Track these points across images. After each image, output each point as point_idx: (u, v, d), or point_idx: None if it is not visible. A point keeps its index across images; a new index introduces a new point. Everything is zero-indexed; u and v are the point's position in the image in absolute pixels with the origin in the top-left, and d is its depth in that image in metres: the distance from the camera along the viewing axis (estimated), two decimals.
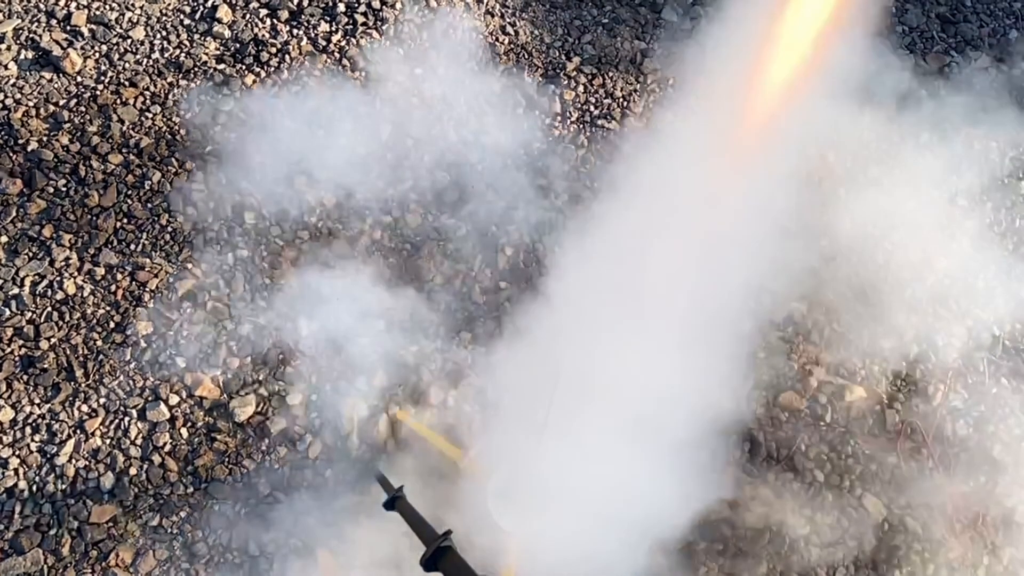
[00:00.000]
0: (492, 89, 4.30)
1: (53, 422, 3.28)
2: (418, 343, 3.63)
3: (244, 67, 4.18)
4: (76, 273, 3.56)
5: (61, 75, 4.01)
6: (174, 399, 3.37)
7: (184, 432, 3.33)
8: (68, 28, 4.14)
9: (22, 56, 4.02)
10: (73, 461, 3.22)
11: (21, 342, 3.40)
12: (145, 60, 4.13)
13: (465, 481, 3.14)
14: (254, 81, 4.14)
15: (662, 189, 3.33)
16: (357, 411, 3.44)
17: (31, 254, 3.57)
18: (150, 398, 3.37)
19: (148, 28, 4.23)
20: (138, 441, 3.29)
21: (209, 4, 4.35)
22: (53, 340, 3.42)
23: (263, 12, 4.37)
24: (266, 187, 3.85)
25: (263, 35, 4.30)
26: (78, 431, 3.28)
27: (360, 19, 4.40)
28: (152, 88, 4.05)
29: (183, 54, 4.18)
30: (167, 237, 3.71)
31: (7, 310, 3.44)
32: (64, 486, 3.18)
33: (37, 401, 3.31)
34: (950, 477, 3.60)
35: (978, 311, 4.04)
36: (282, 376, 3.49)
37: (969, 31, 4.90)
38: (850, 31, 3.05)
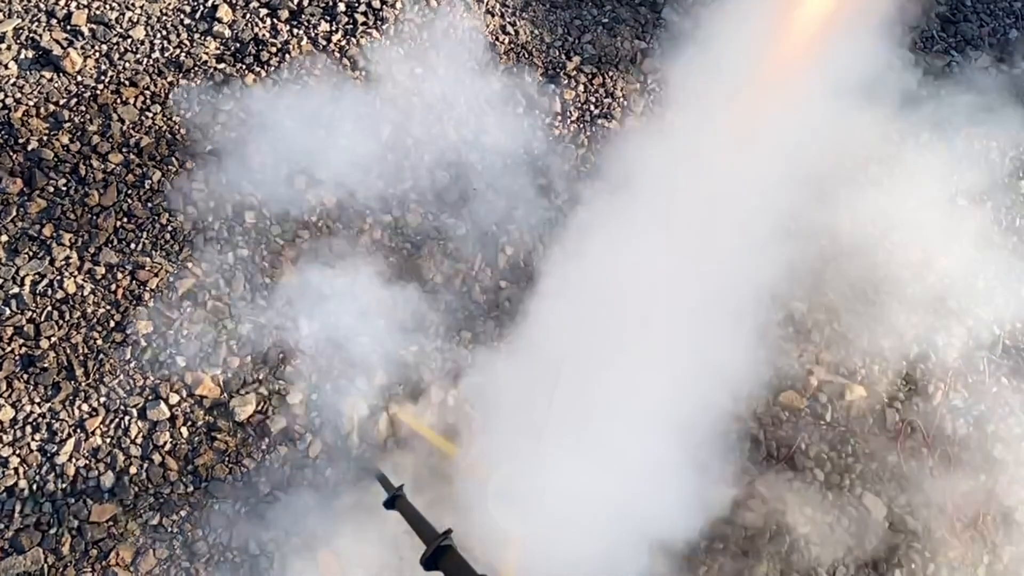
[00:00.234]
0: (492, 88, 4.30)
1: (53, 421, 3.28)
2: (418, 342, 3.63)
3: (244, 66, 4.19)
4: (76, 272, 3.56)
5: (61, 74, 4.01)
6: (174, 398, 3.37)
7: (184, 431, 3.33)
8: (68, 27, 4.14)
9: (22, 55, 4.02)
10: (73, 460, 3.22)
11: (21, 341, 3.40)
12: (145, 59, 4.14)
13: (465, 481, 3.15)
14: (254, 80, 4.14)
15: (663, 188, 3.34)
16: (357, 410, 3.44)
17: (31, 253, 3.57)
18: (150, 397, 3.37)
19: (148, 27, 4.24)
20: (138, 440, 3.29)
21: (209, 4, 4.35)
22: (53, 339, 3.42)
23: (263, 12, 4.37)
24: (266, 186, 3.85)
25: (263, 34, 4.30)
26: (78, 430, 3.28)
27: (360, 18, 4.40)
28: (152, 87, 4.05)
29: (183, 53, 4.18)
30: (167, 236, 3.71)
31: (7, 309, 3.44)
32: (64, 485, 3.18)
33: (37, 400, 3.31)
34: (950, 476, 3.60)
35: (978, 310, 4.05)
36: (282, 375, 3.49)
37: (969, 30, 4.90)
38: (850, 30, 3.05)
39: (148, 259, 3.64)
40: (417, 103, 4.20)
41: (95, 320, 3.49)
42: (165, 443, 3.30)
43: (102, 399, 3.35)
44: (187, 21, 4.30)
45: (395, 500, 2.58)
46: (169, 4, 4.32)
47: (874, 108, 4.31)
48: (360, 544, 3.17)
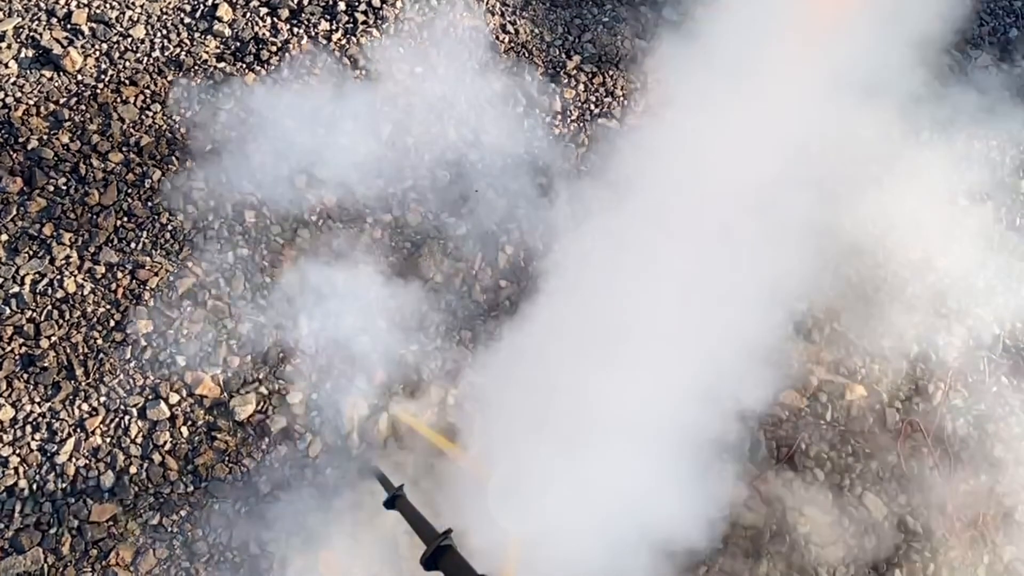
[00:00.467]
0: (492, 88, 4.30)
1: (53, 421, 3.28)
2: (418, 342, 3.63)
3: (244, 65, 4.18)
4: (76, 271, 3.56)
5: (61, 73, 4.01)
6: (174, 398, 3.37)
7: (184, 431, 3.33)
8: (68, 26, 4.13)
9: (22, 54, 4.02)
10: (73, 460, 3.22)
11: (21, 340, 3.40)
12: (145, 58, 4.13)
13: (465, 480, 3.15)
14: (254, 79, 4.14)
15: (663, 188, 3.34)
16: (357, 410, 3.44)
17: (31, 252, 3.57)
18: (150, 397, 3.37)
19: (148, 26, 4.23)
20: (138, 440, 3.29)
21: (209, 2, 4.34)
22: (53, 338, 3.42)
23: (263, 11, 4.37)
24: (266, 186, 3.85)
25: (263, 33, 4.30)
26: (78, 430, 3.28)
27: (360, 17, 4.40)
28: (152, 86, 4.05)
29: (183, 52, 4.18)
30: (167, 235, 3.70)
31: (7, 308, 3.44)
32: (64, 485, 3.18)
33: (37, 400, 3.31)
34: (950, 476, 3.60)
35: (978, 310, 4.05)
36: (282, 375, 3.49)
37: (969, 29, 4.90)
38: (850, 28, 3.05)
39: (148, 258, 3.64)
40: (417, 102, 4.19)
41: (95, 319, 3.49)
42: (165, 443, 3.30)
43: (102, 399, 3.35)
44: (187, 20, 4.29)
45: (395, 500, 2.58)
46: (169, 3, 4.32)
47: (874, 106, 4.31)
48: (360, 544, 3.17)
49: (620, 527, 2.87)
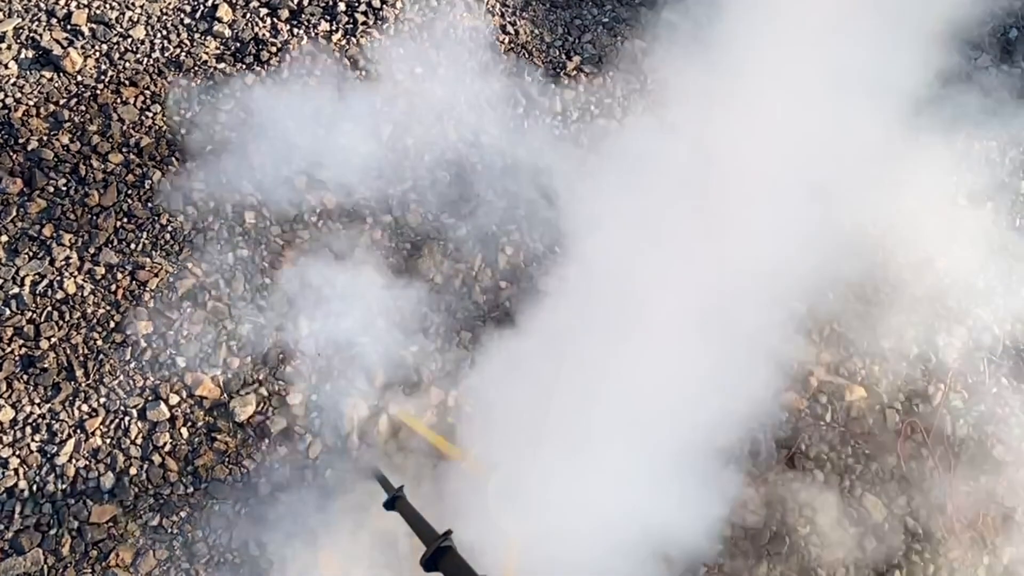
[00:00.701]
0: (492, 88, 4.30)
1: (53, 422, 3.28)
2: (418, 342, 3.63)
3: (244, 66, 4.18)
4: (76, 272, 3.56)
5: (61, 74, 4.01)
6: (174, 399, 3.37)
7: (184, 432, 3.33)
8: (68, 27, 4.13)
9: (22, 55, 4.02)
10: (73, 461, 3.22)
11: (21, 341, 3.40)
12: (145, 59, 4.13)
13: (465, 481, 3.15)
14: (254, 80, 4.14)
15: (663, 189, 3.33)
16: (357, 411, 3.44)
17: (31, 253, 3.57)
18: (150, 398, 3.37)
19: (148, 27, 4.23)
20: (138, 441, 3.29)
21: (209, 3, 4.34)
22: (53, 340, 3.42)
23: (263, 11, 4.37)
24: (266, 186, 3.85)
25: (263, 34, 4.30)
26: (78, 431, 3.28)
27: (360, 18, 4.40)
28: (152, 87, 4.05)
29: (183, 53, 4.18)
30: (167, 236, 3.70)
31: (7, 309, 3.44)
32: (64, 486, 3.18)
33: (37, 401, 3.31)
34: (950, 477, 3.60)
35: (978, 310, 4.05)
36: (282, 376, 3.49)
37: (971, 30, 4.89)
38: (851, 29, 3.04)
39: (148, 259, 3.64)
40: (417, 103, 4.19)
41: (95, 320, 3.49)
42: (165, 444, 3.30)
43: (102, 400, 3.35)
44: (187, 21, 4.29)
45: (395, 501, 2.58)
46: (169, 4, 4.32)
47: (874, 106, 4.31)
48: (360, 545, 3.17)
49: (620, 527, 2.87)
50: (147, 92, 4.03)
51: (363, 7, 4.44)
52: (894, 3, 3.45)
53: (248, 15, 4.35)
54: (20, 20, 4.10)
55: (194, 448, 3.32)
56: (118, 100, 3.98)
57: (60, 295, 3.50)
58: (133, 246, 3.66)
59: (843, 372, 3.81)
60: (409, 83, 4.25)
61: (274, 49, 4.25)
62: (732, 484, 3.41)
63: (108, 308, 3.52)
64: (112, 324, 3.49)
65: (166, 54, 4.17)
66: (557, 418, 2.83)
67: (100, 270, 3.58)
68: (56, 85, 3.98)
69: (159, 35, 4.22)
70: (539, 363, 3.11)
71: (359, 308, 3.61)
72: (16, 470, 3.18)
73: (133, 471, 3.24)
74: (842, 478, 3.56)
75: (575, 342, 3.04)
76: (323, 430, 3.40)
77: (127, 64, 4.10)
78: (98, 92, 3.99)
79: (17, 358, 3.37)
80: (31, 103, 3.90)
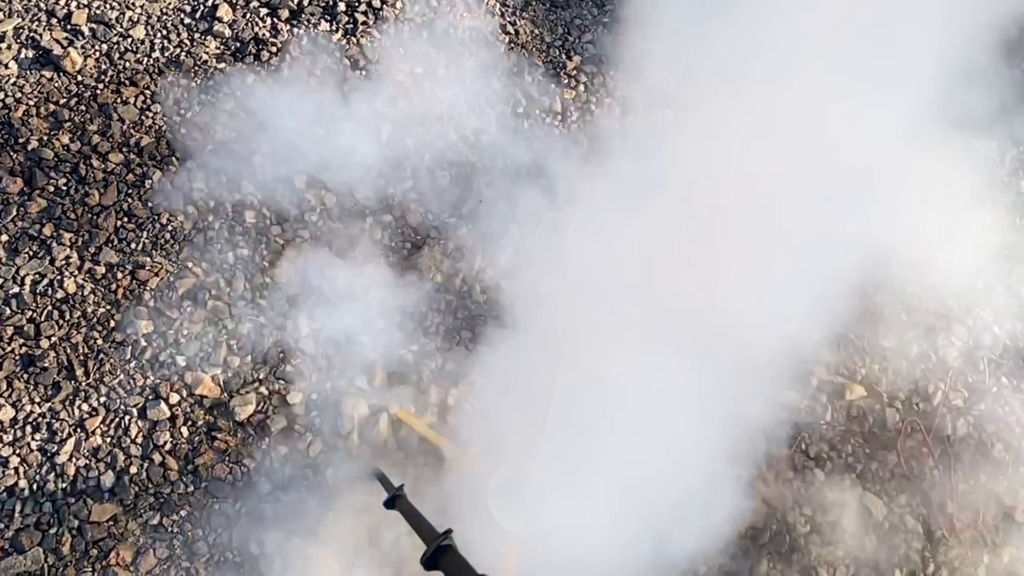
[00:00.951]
0: (492, 88, 4.30)
1: (53, 421, 3.28)
2: (418, 342, 3.64)
3: (244, 66, 4.18)
4: (76, 272, 3.56)
5: (61, 74, 4.01)
6: (174, 398, 3.37)
7: (184, 431, 3.33)
8: (68, 27, 4.14)
9: (22, 55, 4.02)
10: (73, 460, 3.22)
11: (21, 341, 3.40)
12: (146, 59, 4.13)
13: (465, 480, 3.15)
14: (255, 80, 4.14)
15: (663, 189, 3.34)
16: (357, 410, 3.44)
17: (31, 253, 3.57)
18: (150, 397, 3.37)
19: (148, 27, 4.23)
20: (138, 440, 3.29)
21: (209, 3, 4.35)
22: (53, 339, 3.42)
23: (263, 11, 4.37)
24: (266, 186, 3.85)
25: (263, 34, 4.30)
26: (78, 430, 3.28)
27: (360, 18, 4.40)
28: (153, 87, 4.05)
29: (183, 53, 4.18)
30: (167, 236, 3.71)
31: (8, 309, 3.44)
32: (64, 485, 3.18)
33: (37, 400, 3.31)
34: (950, 476, 3.61)
35: (978, 310, 4.05)
36: (282, 375, 3.49)
37: (972, 30, 4.89)
38: (852, 29, 3.05)
39: (148, 259, 3.64)
40: (417, 103, 4.20)
41: (95, 320, 3.49)
42: (165, 443, 3.30)
43: (102, 399, 3.35)
44: (187, 20, 4.29)
45: (395, 500, 2.57)
46: (169, 3, 4.32)
47: (875, 107, 4.31)
48: (360, 544, 3.17)
49: (619, 528, 2.87)
50: (147, 92, 4.03)
51: (363, 7, 4.44)
52: (899, 3, 3.45)
53: (248, 15, 4.35)
54: (20, 20, 4.11)
55: (194, 447, 3.32)
56: (118, 100, 3.98)
57: (60, 294, 3.50)
58: (133, 245, 3.66)
59: (843, 371, 3.82)
60: (409, 83, 4.25)
61: (274, 49, 4.25)
62: (738, 488, 3.41)
63: (108, 307, 3.52)
64: (112, 323, 3.49)
65: (166, 54, 4.17)
66: (557, 417, 2.83)
67: (100, 269, 3.58)
68: (56, 85, 3.98)
69: (159, 35, 4.22)
70: (539, 362, 3.11)
71: (359, 307, 3.61)
72: (16, 469, 3.18)
73: (133, 470, 3.24)
74: (842, 477, 3.56)
75: (575, 341, 3.04)
76: (323, 429, 3.41)
77: (127, 64, 4.10)
78: (98, 92, 3.99)
79: (17, 357, 3.37)
80: (31, 103, 3.90)
